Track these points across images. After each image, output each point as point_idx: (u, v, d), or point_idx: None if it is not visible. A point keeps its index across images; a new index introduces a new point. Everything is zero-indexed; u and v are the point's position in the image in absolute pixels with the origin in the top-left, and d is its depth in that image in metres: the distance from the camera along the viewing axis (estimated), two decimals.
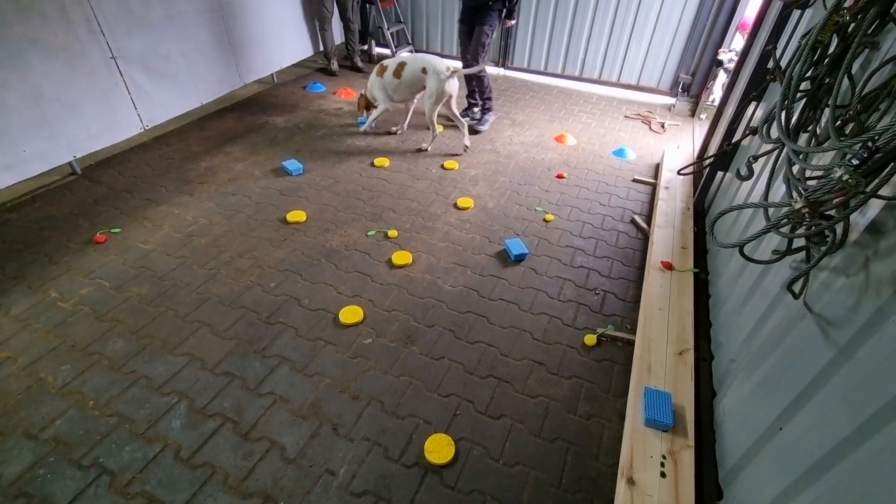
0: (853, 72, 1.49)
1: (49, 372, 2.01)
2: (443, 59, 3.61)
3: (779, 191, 1.75)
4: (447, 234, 2.96)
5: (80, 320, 2.25)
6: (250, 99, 4.71)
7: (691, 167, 3.04)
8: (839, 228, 1.17)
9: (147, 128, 3.68)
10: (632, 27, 4.90)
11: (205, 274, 2.55)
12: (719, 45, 4.56)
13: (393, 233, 2.92)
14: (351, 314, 2.32)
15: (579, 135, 4.32)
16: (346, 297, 2.45)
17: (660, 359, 1.99)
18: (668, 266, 2.48)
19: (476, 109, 4.48)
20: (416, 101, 4.02)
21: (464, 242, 2.90)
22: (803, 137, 1.48)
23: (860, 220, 1.19)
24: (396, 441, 1.82)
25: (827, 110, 1.23)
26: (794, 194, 1.20)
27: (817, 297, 1.29)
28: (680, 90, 4.98)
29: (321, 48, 5.40)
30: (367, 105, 4.01)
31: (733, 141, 2.60)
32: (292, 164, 3.51)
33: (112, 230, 2.82)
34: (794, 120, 1.46)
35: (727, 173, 2.83)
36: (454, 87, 3.63)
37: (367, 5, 5.62)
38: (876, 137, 0.96)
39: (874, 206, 1.15)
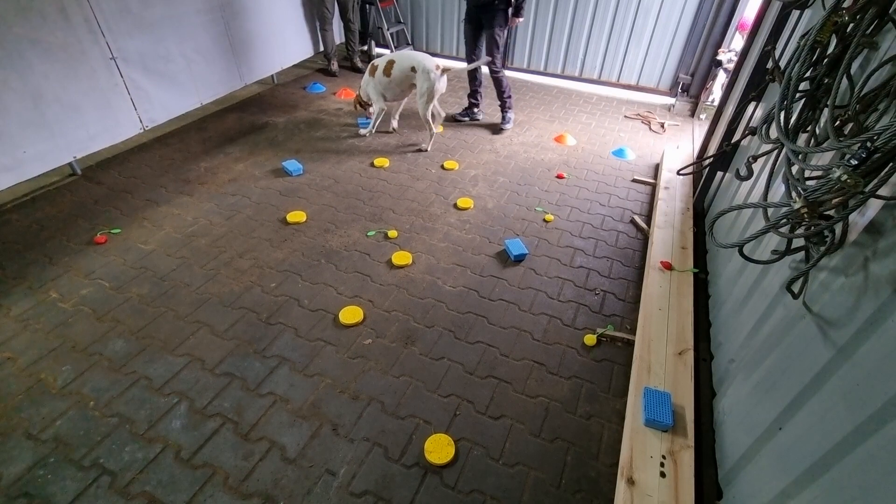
0: (852, 72, 1.49)
1: (49, 372, 2.01)
2: (432, 58, 3.61)
3: (778, 191, 1.75)
4: (447, 235, 2.96)
5: (80, 321, 2.25)
6: (250, 99, 4.71)
7: (691, 167, 3.04)
8: (838, 228, 1.17)
9: (147, 128, 3.68)
10: (631, 27, 4.91)
11: (205, 274, 2.55)
12: (719, 45, 4.57)
13: (393, 233, 2.92)
14: (351, 315, 2.32)
15: (579, 135, 4.33)
16: (346, 298, 2.45)
17: (659, 359, 2.00)
18: (668, 266, 2.49)
19: (476, 110, 4.49)
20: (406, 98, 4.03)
21: (464, 243, 2.90)
22: (802, 137, 1.48)
23: (859, 220, 1.19)
24: (396, 441, 1.82)
25: (826, 110, 1.23)
26: (794, 194, 1.20)
27: (816, 297, 1.30)
28: (679, 90, 4.98)
29: (321, 49, 5.40)
30: (362, 105, 4.03)
31: (733, 141, 2.61)
32: (292, 165, 3.51)
33: (112, 231, 2.83)
34: (793, 120, 1.46)
35: (727, 173, 2.83)
36: (443, 85, 3.65)
37: (367, 6, 5.62)
38: (875, 137, 0.96)
39: (873, 206, 1.15)
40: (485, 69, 4.13)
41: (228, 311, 2.34)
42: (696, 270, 2.48)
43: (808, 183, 1.19)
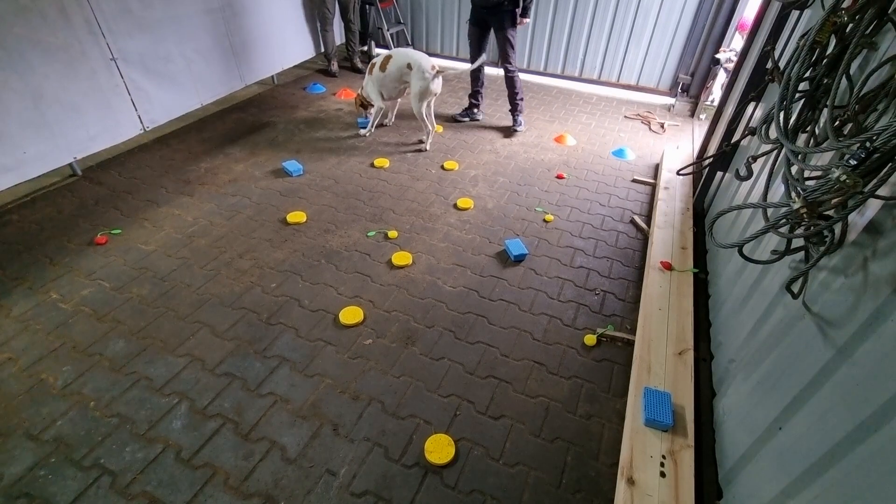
0: (851, 72, 1.49)
1: (50, 373, 2.01)
2: (429, 58, 3.61)
3: (778, 191, 1.75)
4: (447, 235, 2.96)
5: (80, 321, 2.25)
6: (251, 100, 4.72)
7: (691, 167, 3.04)
8: (838, 228, 1.18)
9: (147, 129, 3.68)
10: (631, 27, 4.91)
11: (205, 275, 2.56)
12: (718, 45, 4.57)
13: (393, 233, 2.92)
14: (351, 315, 2.32)
15: (579, 135, 4.33)
16: (347, 298, 2.45)
17: (659, 359, 2.00)
18: (668, 266, 2.49)
19: (476, 110, 4.49)
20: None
21: (464, 243, 2.90)
22: (802, 138, 1.49)
23: (859, 220, 1.20)
24: (397, 441, 1.82)
25: (825, 111, 1.23)
26: (793, 194, 1.20)
27: (816, 297, 1.30)
28: (679, 90, 4.98)
29: (322, 49, 5.41)
30: (363, 104, 4.05)
31: (732, 141, 2.61)
32: (292, 165, 3.51)
33: (112, 231, 2.83)
34: (792, 120, 1.47)
35: (726, 173, 2.84)
36: (438, 85, 3.65)
37: (367, 6, 5.62)
38: (874, 137, 0.96)
39: (872, 206, 1.15)
40: (497, 71, 4.14)
41: (229, 312, 2.34)
42: (696, 270, 2.49)
43: (808, 183, 1.20)
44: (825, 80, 1.41)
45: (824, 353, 1.17)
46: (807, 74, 1.45)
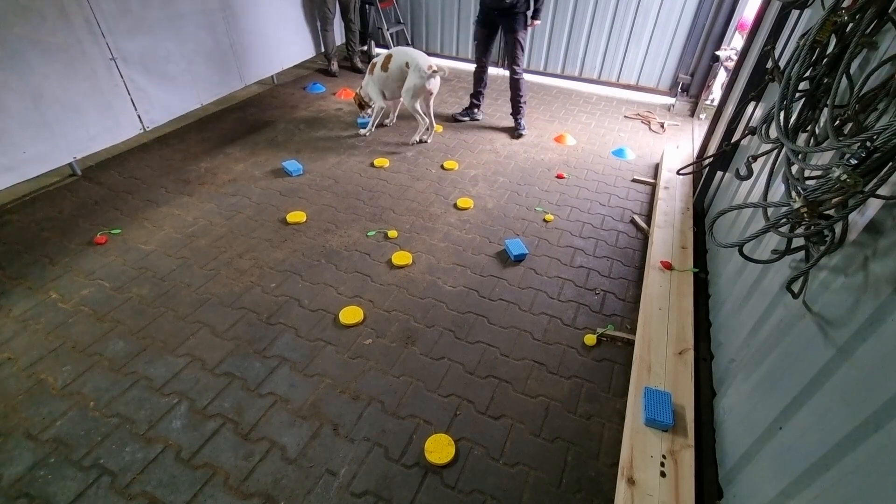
0: (851, 72, 1.49)
1: (50, 373, 2.01)
2: (428, 57, 3.61)
3: (778, 190, 1.75)
4: (447, 235, 2.96)
5: (80, 321, 2.25)
6: (250, 100, 4.71)
7: (691, 167, 3.04)
8: (838, 228, 1.17)
9: (147, 129, 3.68)
10: (631, 27, 4.91)
11: (205, 275, 2.56)
12: (718, 45, 4.57)
13: (393, 233, 2.92)
14: (351, 315, 2.32)
15: (579, 135, 4.33)
16: (347, 298, 2.45)
17: (660, 358, 2.00)
18: (668, 266, 2.49)
19: (477, 111, 4.49)
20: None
21: (464, 243, 2.90)
22: (802, 137, 1.49)
23: (859, 219, 1.19)
24: (397, 441, 1.82)
25: (825, 110, 1.23)
26: (793, 194, 1.20)
27: (816, 297, 1.30)
28: (679, 90, 4.98)
29: (322, 49, 5.40)
30: (361, 105, 4.05)
31: (732, 141, 2.61)
32: (292, 165, 3.51)
33: (112, 231, 2.83)
34: (792, 120, 1.47)
35: (726, 173, 2.84)
36: (435, 85, 3.66)
37: (367, 6, 5.62)
38: (874, 137, 0.96)
39: (873, 206, 1.15)
40: (496, 71, 4.14)
41: (229, 312, 2.34)
42: (696, 270, 2.48)
43: (808, 182, 1.20)
44: (825, 80, 1.41)
45: (824, 352, 1.17)
46: (807, 74, 1.44)
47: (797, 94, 1.43)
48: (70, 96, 3.10)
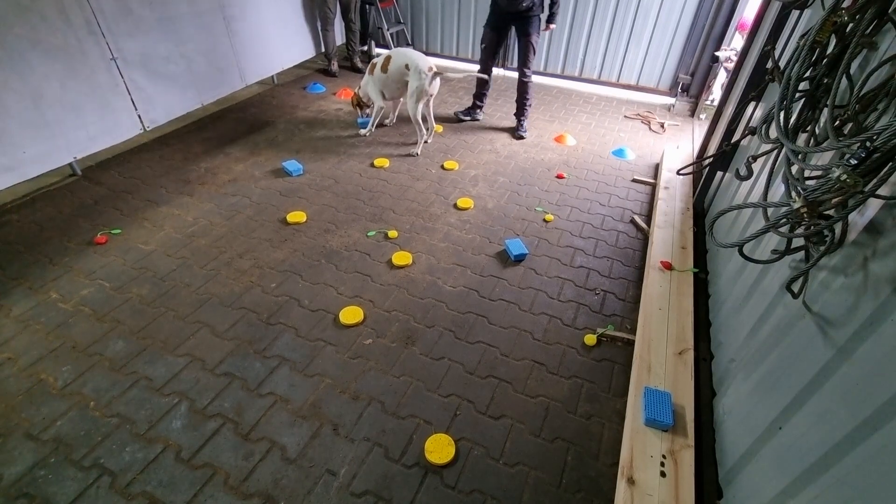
0: (851, 72, 1.49)
1: (50, 373, 2.01)
2: (427, 58, 3.60)
3: (778, 190, 1.75)
4: (447, 235, 2.96)
5: (80, 321, 2.25)
6: (250, 100, 4.72)
7: (691, 167, 3.04)
8: (838, 228, 1.18)
9: (148, 129, 3.68)
10: (631, 27, 4.91)
11: (205, 275, 2.56)
12: (718, 45, 4.57)
13: (393, 233, 2.92)
14: (351, 315, 2.32)
15: (579, 135, 4.33)
16: (347, 298, 2.45)
17: (660, 358, 2.00)
18: (668, 266, 2.49)
19: (478, 111, 4.49)
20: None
21: (464, 243, 2.90)
22: (802, 137, 1.49)
23: (859, 219, 1.19)
24: (397, 441, 1.82)
25: (825, 110, 1.23)
26: (793, 194, 1.20)
27: (816, 297, 1.30)
28: (679, 90, 4.98)
29: (322, 49, 5.41)
30: (359, 104, 4.04)
31: (732, 141, 2.61)
32: (292, 165, 3.51)
33: (112, 231, 2.83)
34: (792, 120, 1.47)
35: (726, 173, 2.84)
36: (435, 86, 3.65)
37: (367, 6, 5.62)
38: (874, 137, 0.96)
39: (873, 206, 1.15)
40: (504, 72, 4.13)
41: (229, 312, 2.34)
42: (696, 270, 2.48)
43: (808, 182, 1.20)
44: (825, 80, 1.41)
45: (824, 352, 1.17)
46: (807, 74, 1.44)
47: (797, 95, 1.43)
48: (70, 96, 3.10)
